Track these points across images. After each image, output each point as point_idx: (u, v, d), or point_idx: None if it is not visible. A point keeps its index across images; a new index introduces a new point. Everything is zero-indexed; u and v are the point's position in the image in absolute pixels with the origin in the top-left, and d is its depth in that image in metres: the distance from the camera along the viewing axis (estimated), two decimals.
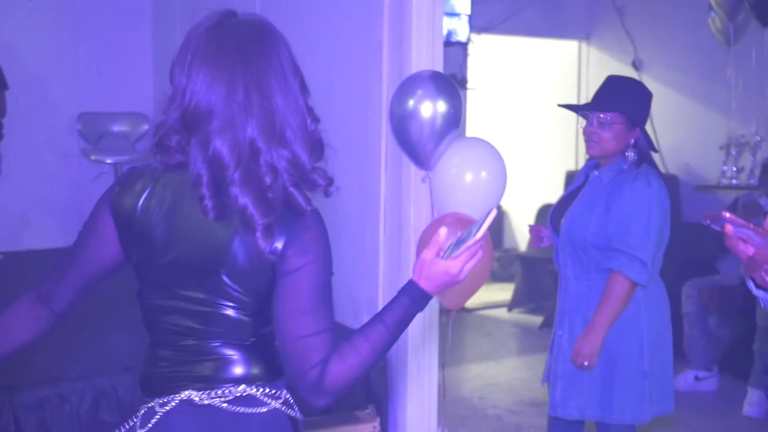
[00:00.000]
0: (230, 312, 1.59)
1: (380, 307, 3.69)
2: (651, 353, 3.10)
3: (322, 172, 1.60)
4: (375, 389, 3.56)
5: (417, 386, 3.51)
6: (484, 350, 5.99)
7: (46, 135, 6.16)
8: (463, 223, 3.20)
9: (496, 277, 7.61)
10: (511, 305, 7.17)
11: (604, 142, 3.05)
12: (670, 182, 6.75)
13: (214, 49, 1.54)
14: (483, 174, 3.28)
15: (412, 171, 3.47)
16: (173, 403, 1.61)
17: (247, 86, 1.53)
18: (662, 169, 6.88)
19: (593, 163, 3.23)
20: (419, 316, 3.38)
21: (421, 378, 3.50)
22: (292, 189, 1.56)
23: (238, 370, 1.61)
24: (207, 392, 1.60)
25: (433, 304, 3.47)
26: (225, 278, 1.57)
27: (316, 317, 1.55)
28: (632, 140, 3.06)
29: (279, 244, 1.53)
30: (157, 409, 1.62)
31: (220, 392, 1.59)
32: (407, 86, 3.25)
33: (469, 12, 6.55)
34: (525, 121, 7.99)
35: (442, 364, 3.37)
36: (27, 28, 6.13)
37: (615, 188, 3.04)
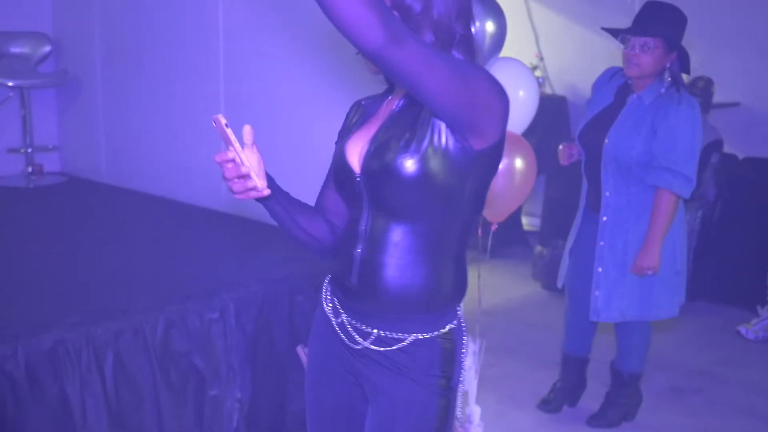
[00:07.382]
0: None
1: None
2: (680, 254, 3.36)
3: None
4: None
5: None
6: None
7: None
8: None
9: None
10: None
11: (643, 65, 3.18)
12: (559, 103, 6.99)
13: None
14: (520, 93, 3.39)
15: None
16: None
17: None
18: (549, 90, 7.16)
19: (619, 81, 3.35)
20: None
21: None
22: None
23: None
24: None
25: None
26: None
27: None
28: (668, 63, 3.19)
29: None
30: None
31: None
32: None
33: None
34: None
35: (478, 274, 3.45)
36: None
37: (659, 110, 3.17)
